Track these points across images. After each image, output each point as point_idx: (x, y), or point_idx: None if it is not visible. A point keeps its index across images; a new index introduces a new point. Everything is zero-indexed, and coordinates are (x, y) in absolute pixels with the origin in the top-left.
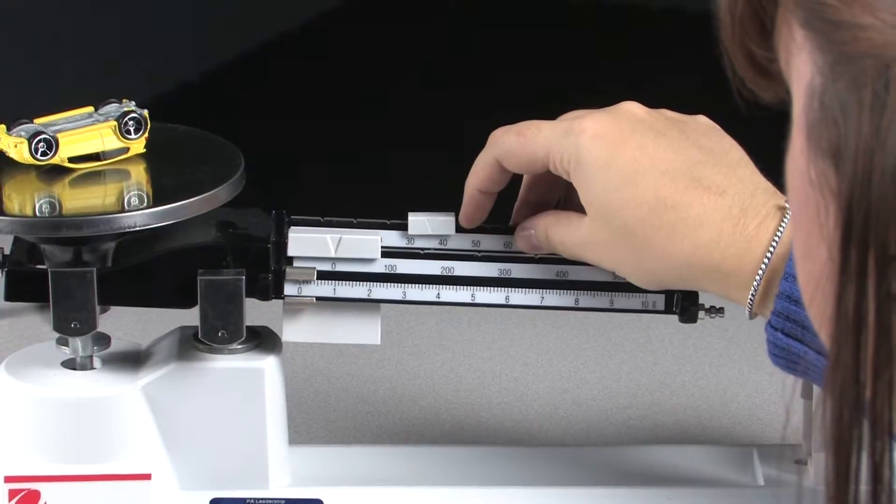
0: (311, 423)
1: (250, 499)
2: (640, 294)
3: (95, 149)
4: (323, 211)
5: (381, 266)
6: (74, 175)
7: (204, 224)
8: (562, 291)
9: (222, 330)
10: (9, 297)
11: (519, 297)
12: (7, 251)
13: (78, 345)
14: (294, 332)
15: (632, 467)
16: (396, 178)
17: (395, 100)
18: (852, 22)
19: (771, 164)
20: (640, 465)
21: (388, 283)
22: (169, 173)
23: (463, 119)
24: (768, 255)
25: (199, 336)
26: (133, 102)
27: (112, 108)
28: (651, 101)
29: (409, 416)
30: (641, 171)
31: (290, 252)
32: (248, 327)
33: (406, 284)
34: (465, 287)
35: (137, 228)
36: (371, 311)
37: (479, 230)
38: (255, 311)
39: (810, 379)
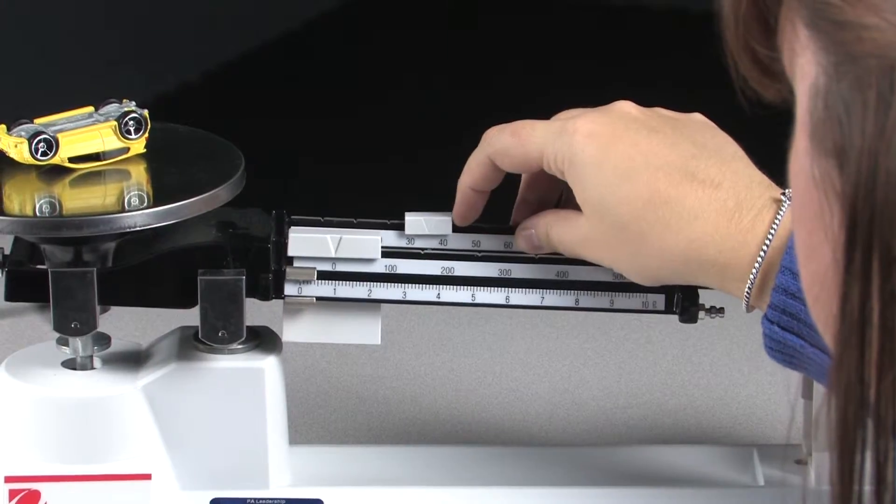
0: (311, 423)
1: (250, 499)
2: (641, 294)
3: (96, 149)
4: (323, 211)
5: (381, 266)
6: (75, 175)
7: (204, 224)
8: (562, 291)
9: (222, 330)
10: (9, 297)
11: (519, 297)
12: (7, 251)
13: (78, 345)
14: (294, 332)
15: (632, 467)
16: (397, 177)
17: (395, 99)
18: (857, 22)
19: (772, 164)
20: (640, 466)
21: (389, 283)
22: (169, 173)
23: (463, 119)
24: (764, 248)
25: (200, 336)
26: (133, 102)
27: (112, 108)
28: (651, 101)
29: (409, 417)
30: (635, 167)
31: (291, 252)
32: (248, 327)
33: (406, 284)
34: (466, 287)
35: (138, 228)
36: (371, 311)
37: (478, 230)
38: (256, 311)
39: (807, 373)
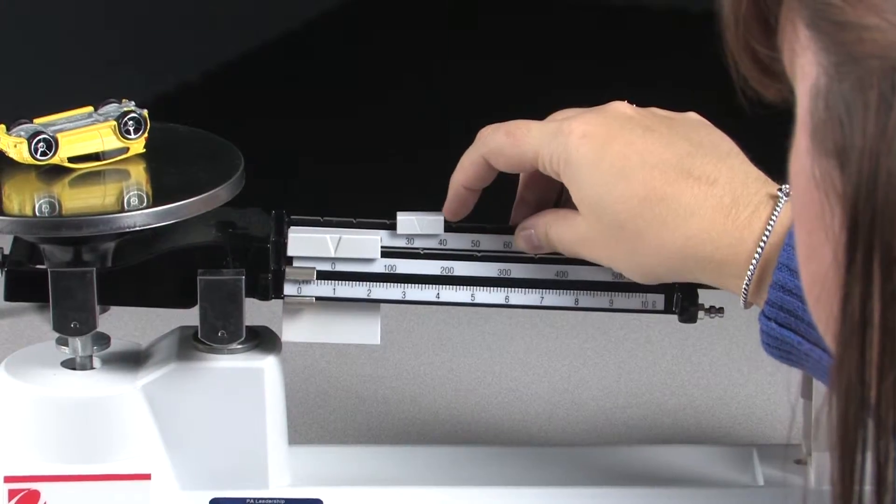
0: (310, 423)
1: (250, 499)
2: (640, 294)
3: (95, 149)
4: (322, 211)
5: (380, 266)
6: (74, 175)
7: (204, 224)
8: (561, 291)
9: (222, 330)
10: (9, 297)
11: (518, 297)
12: (7, 251)
13: (78, 345)
14: (294, 332)
15: (631, 467)
16: (396, 177)
17: (394, 99)
18: (858, 23)
19: (772, 164)
20: (639, 465)
21: (388, 283)
22: (168, 173)
23: (463, 119)
24: (761, 244)
25: (199, 336)
26: (133, 102)
27: (112, 107)
28: (650, 101)
29: (408, 416)
30: (631, 165)
31: (290, 252)
32: (247, 327)
33: (406, 284)
34: (465, 287)
35: (137, 228)
36: (371, 311)
37: (478, 230)
38: (255, 311)
39: (804, 369)
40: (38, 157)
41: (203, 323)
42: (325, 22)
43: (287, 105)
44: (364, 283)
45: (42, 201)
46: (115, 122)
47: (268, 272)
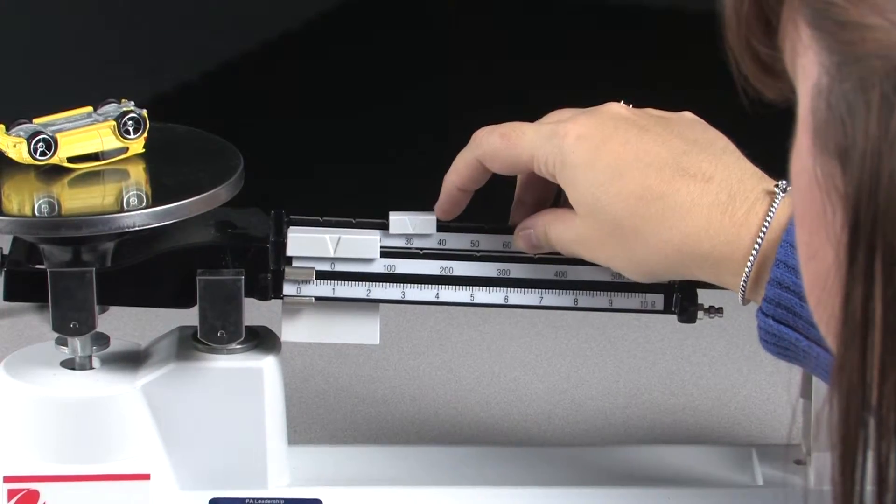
0: (309, 423)
1: (249, 499)
2: (639, 294)
3: (94, 149)
4: (322, 211)
5: (380, 266)
6: (73, 175)
7: (203, 224)
8: (561, 291)
9: (221, 330)
10: (8, 297)
11: (518, 296)
12: (6, 251)
13: (77, 345)
14: (293, 331)
15: (631, 467)
16: (397, 177)
17: (394, 99)
18: (860, 22)
19: (772, 163)
20: (638, 465)
21: (387, 283)
22: (168, 173)
23: (463, 119)
24: (759, 241)
25: (199, 336)
26: (132, 102)
27: (111, 107)
28: (650, 101)
29: (407, 416)
30: (626, 164)
31: (289, 252)
32: (247, 327)
33: (405, 284)
34: (464, 287)
35: (136, 228)
36: (370, 311)
37: (477, 230)
38: (255, 311)
39: (802, 365)
40: (37, 157)
41: (202, 323)
42: (324, 22)
43: (286, 105)
44: (363, 283)
45: (41, 201)
46: (114, 122)
47: (267, 272)
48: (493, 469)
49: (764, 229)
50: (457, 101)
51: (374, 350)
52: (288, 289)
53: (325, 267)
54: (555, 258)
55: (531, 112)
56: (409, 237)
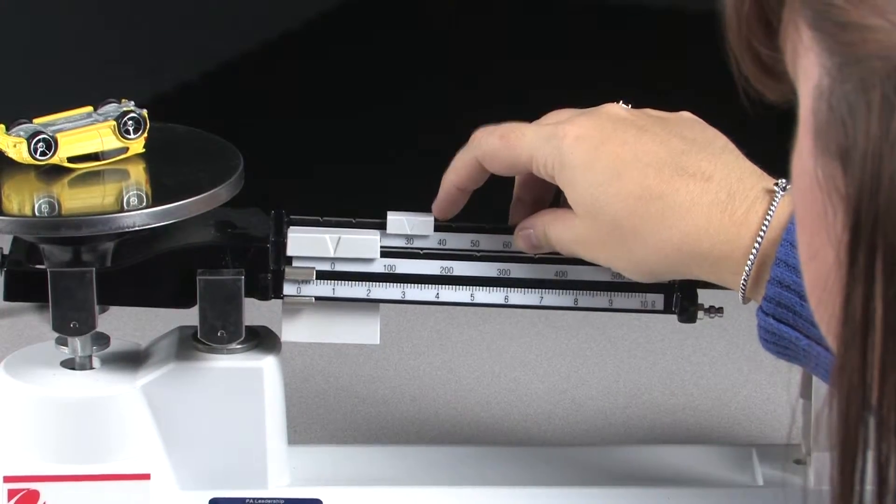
0: (310, 423)
1: (249, 499)
2: (639, 294)
3: (94, 149)
4: (322, 211)
5: (380, 266)
6: (73, 175)
7: (203, 224)
8: (561, 291)
9: (221, 330)
10: (8, 297)
11: (518, 296)
12: (6, 251)
13: (77, 345)
14: (293, 331)
15: (631, 467)
16: (397, 178)
17: (394, 99)
18: (861, 23)
19: (772, 164)
20: (638, 465)
21: (387, 283)
22: (168, 173)
23: (463, 119)
24: (759, 239)
25: (199, 336)
26: (132, 102)
27: (111, 107)
28: (649, 102)
29: (408, 416)
30: (625, 164)
31: (290, 252)
32: (247, 327)
33: (405, 284)
34: (465, 287)
35: (136, 228)
36: (370, 310)
37: (477, 230)
38: (255, 311)
39: (802, 364)
40: (37, 156)
41: (202, 323)
42: (324, 22)
43: (286, 105)
44: (363, 283)
45: (41, 201)
46: (114, 122)
47: (267, 272)
48: (493, 469)
49: (764, 228)
50: (457, 100)
51: (374, 350)
52: (288, 289)
53: (326, 267)
54: (555, 258)
55: (531, 112)
56: (409, 237)
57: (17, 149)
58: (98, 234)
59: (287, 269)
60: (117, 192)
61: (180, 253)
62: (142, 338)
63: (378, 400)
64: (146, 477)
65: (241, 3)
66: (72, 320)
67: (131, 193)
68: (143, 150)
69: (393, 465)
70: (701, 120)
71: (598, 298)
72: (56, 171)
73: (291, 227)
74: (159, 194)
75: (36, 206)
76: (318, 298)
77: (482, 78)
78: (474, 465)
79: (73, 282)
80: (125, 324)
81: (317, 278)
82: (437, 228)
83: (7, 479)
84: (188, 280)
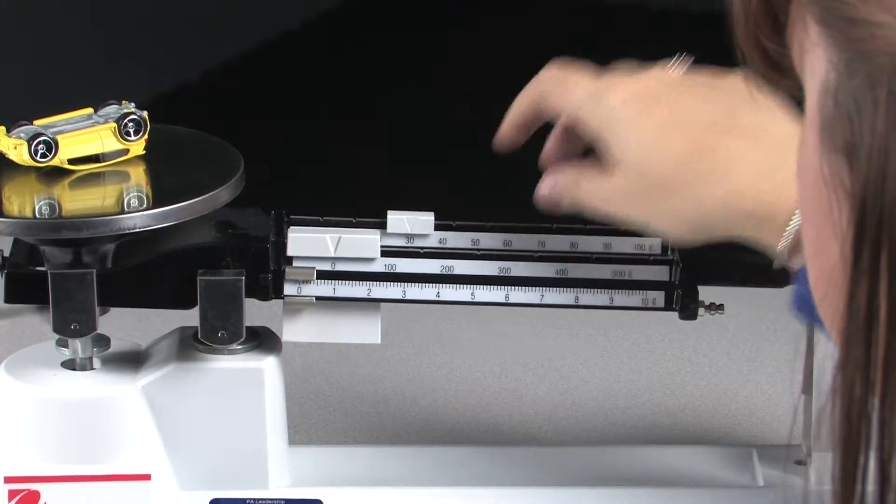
0: (310, 424)
1: (250, 499)
2: (640, 291)
3: (95, 150)
4: (322, 211)
5: (380, 265)
6: (74, 177)
7: (203, 224)
8: (561, 289)
9: (222, 330)
10: (8, 298)
11: (519, 295)
12: (6, 253)
13: (78, 346)
14: (294, 331)
15: (631, 468)
16: (397, 178)
17: (395, 99)
18: (868, 20)
19: None
20: (639, 466)
21: (388, 283)
22: (168, 175)
23: (463, 119)
24: None
25: (199, 336)
26: (132, 104)
27: (111, 109)
28: None
29: (408, 417)
30: (675, 123)
31: (290, 252)
32: (247, 328)
33: (406, 283)
34: (465, 286)
35: (137, 230)
36: (371, 310)
37: (477, 228)
38: (256, 312)
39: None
40: (38, 158)
41: (203, 323)
42: (325, 22)
43: (287, 105)
44: (364, 282)
45: (42, 203)
46: (114, 124)
47: (268, 272)
48: (493, 469)
49: None
50: (457, 101)
51: (374, 350)
52: (289, 289)
53: (326, 266)
54: (556, 255)
55: None
56: (409, 236)
57: (17, 150)
58: (99, 236)
59: (287, 269)
60: (118, 194)
61: (181, 254)
62: (142, 338)
63: (378, 400)
64: (147, 477)
65: (242, 4)
66: (72, 322)
67: (132, 195)
68: (144, 151)
69: (393, 466)
70: (752, 82)
71: (599, 296)
72: (56, 173)
73: (292, 227)
74: (160, 196)
75: (36, 208)
76: (318, 298)
77: (482, 78)
78: (475, 466)
79: (73, 283)
80: (126, 324)
81: (317, 278)
82: (437, 227)
83: (8, 480)
84: (189, 281)
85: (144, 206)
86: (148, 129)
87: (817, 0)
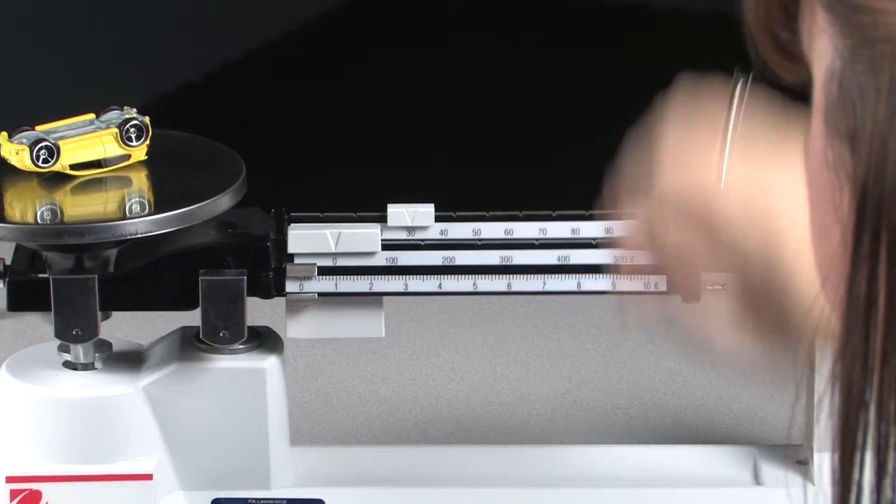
0: (312, 424)
1: (252, 499)
2: (642, 277)
3: (97, 156)
4: (322, 208)
5: (381, 259)
6: (76, 182)
7: (204, 225)
8: (563, 276)
9: (224, 330)
10: (11, 307)
11: (521, 283)
12: (8, 261)
13: (79, 352)
14: (298, 329)
15: (633, 468)
16: (397, 177)
17: (395, 100)
18: (873, 6)
19: None
20: (641, 466)
21: (390, 276)
22: (170, 180)
23: (463, 119)
24: None
25: (201, 336)
26: (134, 109)
27: (113, 115)
28: (649, 101)
29: (410, 417)
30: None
31: (291, 249)
32: (249, 327)
33: (407, 276)
34: (467, 276)
35: (139, 236)
36: (374, 304)
37: (478, 218)
38: (258, 311)
39: None
40: (39, 164)
41: (205, 323)
42: (325, 24)
43: (287, 105)
44: (366, 276)
45: (44, 209)
46: (116, 130)
47: (269, 270)
48: (494, 469)
49: None
50: (459, 101)
51: (376, 350)
52: (290, 286)
53: (327, 262)
54: (557, 243)
55: (531, 111)
56: (410, 229)
57: (19, 156)
58: (101, 242)
59: (289, 267)
60: (120, 200)
61: (182, 255)
62: (144, 338)
63: (380, 400)
64: (149, 477)
65: (243, 4)
66: (74, 327)
67: (134, 201)
68: (146, 157)
69: (395, 466)
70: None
71: (601, 281)
72: (58, 179)
73: (292, 225)
74: (162, 202)
75: (38, 214)
76: (320, 294)
77: (482, 78)
78: (476, 466)
79: (75, 289)
80: (128, 324)
81: (319, 274)
82: (438, 218)
83: (9, 480)
84: (190, 282)
85: (146, 211)
86: (150, 134)
87: None
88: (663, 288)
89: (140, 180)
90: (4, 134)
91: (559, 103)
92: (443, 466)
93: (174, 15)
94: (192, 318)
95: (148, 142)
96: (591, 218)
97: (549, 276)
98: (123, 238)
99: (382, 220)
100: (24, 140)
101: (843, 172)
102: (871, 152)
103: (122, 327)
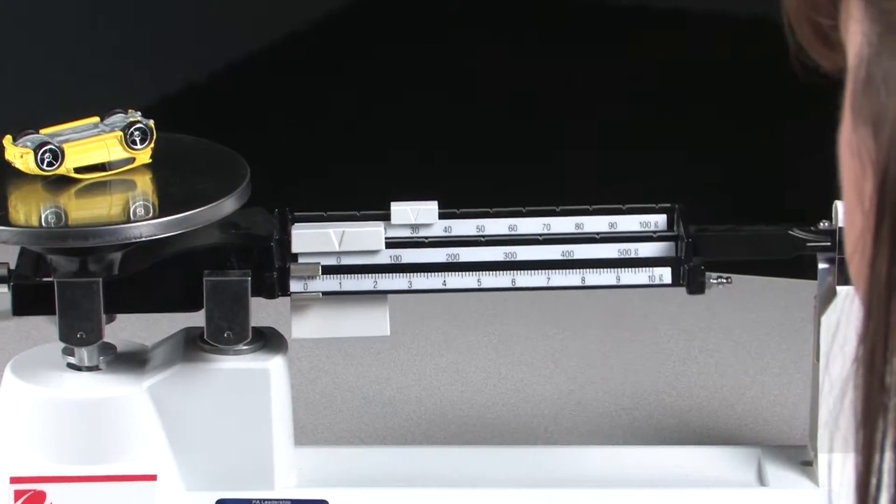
0: (316, 424)
1: (256, 499)
2: (647, 269)
3: (101, 159)
4: (326, 207)
5: (385, 257)
6: (80, 185)
7: (208, 226)
8: (568, 271)
9: (228, 331)
10: (16, 311)
11: (525, 279)
12: (13, 266)
13: (84, 354)
14: (302, 328)
15: (637, 468)
16: (397, 178)
17: (395, 100)
18: None
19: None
20: (645, 467)
21: (394, 274)
22: (175, 183)
23: (464, 120)
24: None
25: (205, 337)
26: (139, 113)
27: (118, 118)
28: (649, 101)
29: (414, 417)
30: None
31: (295, 249)
32: (253, 328)
33: (411, 274)
34: (471, 273)
35: (143, 239)
36: (378, 302)
37: (482, 215)
38: (262, 312)
39: None
40: (44, 167)
41: (209, 324)
42: (327, 24)
43: (288, 105)
44: (370, 275)
45: (48, 212)
46: (121, 133)
47: (273, 270)
48: (499, 470)
49: None
50: (459, 101)
51: (380, 351)
52: (295, 285)
53: (331, 261)
54: (561, 237)
55: (531, 111)
56: (413, 227)
57: (24, 159)
58: (105, 245)
59: (293, 266)
60: (124, 203)
61: (186, 256)
62: (148, 339)
63: (384, 401)
64: (153, 478)
65: (244, 5)
66: (78, 331)
67: (138, 204)
68: (150, 160)
69: (399, 466)
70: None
71: (605, 276)
72: (63, 182)
73: (296, 224)
74: (166, 205)
75: (43, 217)
76: (325, 293)
77: (482, 78)
78: (480, 466)
79: (79, 292)
80: (132, 325)
81: (323, 273)
82: (442, 216)
83: (14, 480)
84: (194, 283)
85: (151, 214)
86: (154, 137)
87: None
88: (668, 281)
89: (144, 183)
90: (9, 137)
91: (559, 103)
92: (447, 467)
93: (174, 15)
94: (197, 318)
95: (152, 145)
96: (594, 213)
97: (554, 271)
98: (128, 241)
99: (386, 218)
100: (28, 143)
101: (867, 157)
102: (892, 138)
103: (126, 328)
